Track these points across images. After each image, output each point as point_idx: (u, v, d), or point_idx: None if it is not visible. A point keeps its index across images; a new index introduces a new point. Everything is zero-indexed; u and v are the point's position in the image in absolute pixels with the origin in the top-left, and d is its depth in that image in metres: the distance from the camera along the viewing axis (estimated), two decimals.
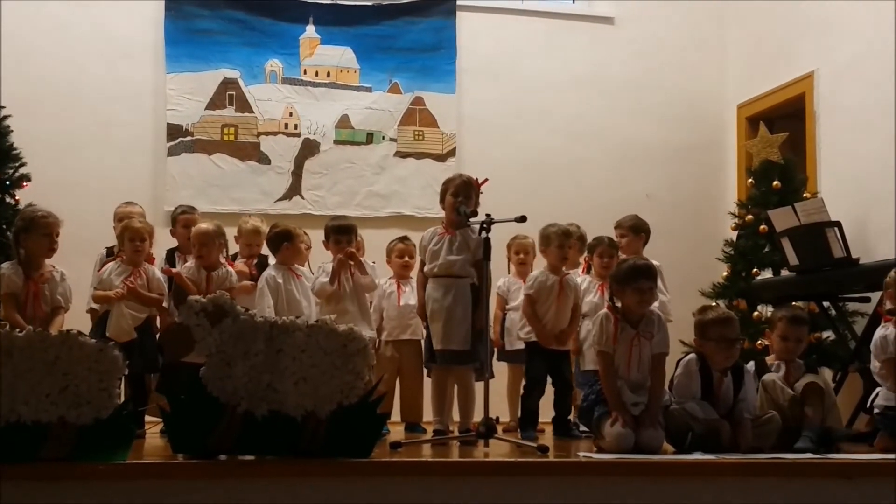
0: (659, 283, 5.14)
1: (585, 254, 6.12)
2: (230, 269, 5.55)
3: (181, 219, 6.04)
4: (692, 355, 4.58)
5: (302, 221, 6.45)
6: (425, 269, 5.27)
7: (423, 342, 5.57)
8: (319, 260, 5.82)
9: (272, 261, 5.73)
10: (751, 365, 4.79)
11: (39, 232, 5.07)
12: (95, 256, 5.98)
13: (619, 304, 4.47)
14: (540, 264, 6.03)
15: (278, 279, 5.50)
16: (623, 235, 6.17)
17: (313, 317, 5.32)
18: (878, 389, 4.93)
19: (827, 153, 7.20)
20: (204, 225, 5.59)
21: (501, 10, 8.30)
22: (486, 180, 5.24)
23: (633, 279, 4.42)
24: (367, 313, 5.60)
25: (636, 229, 6.22)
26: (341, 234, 5.57)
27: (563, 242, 5.64)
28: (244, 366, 3.54)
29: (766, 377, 4.77)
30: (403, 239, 6.20)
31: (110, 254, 5.65)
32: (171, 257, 5.94)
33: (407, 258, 6.07)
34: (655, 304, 4.61)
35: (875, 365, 4.89)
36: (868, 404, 5.07)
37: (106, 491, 3.30)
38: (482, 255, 4.78)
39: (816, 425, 4.57)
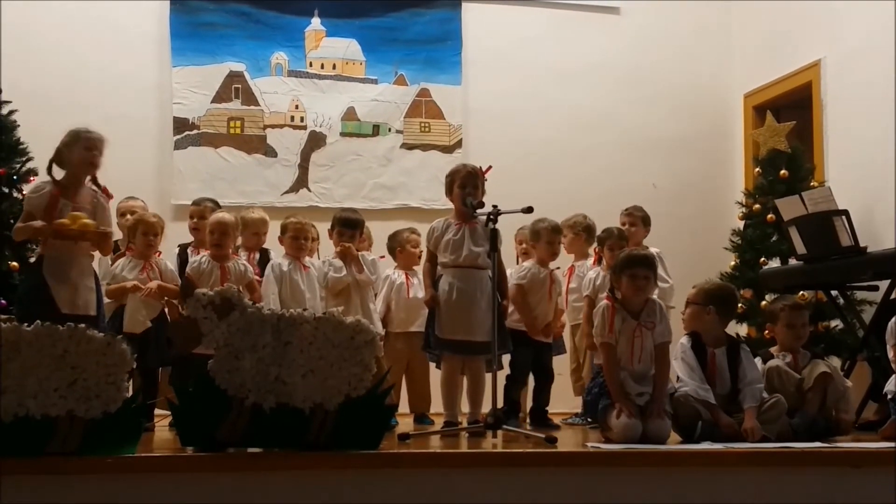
0: (660, 270, 5.15)
1: (595, 245, 6.11)
2: (247, 264, 5.51)
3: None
4: (684, 337, 4.63)
5: (308, 214, 6.41)
6: (443, 259, 5.13)
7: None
8: (328, 251, 5.85)
9: (273, 255, 5.75)
10: (757, 360, 4.78)
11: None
12: None
13: (619, 296, 4.49)
14: None
15: (283, 268, 5.55)
16: (633, 224, 6.18)
17: (318, 309, 5.35)
18: (893, 377, 4.93)
19: (834, 142, 7.18)
20: (225, 214, 5.54)
21: (507, 0, 8.28)
22: (490, 167, 5.23)
23: (628, 266, 4.45)
24: (368, 308, 5.59)
25: (646, 221, 6.26)
26: (346, 227, 5.63)
27: (552, 238, 5.76)
28: (252, 358, 3.54)
29: (772, 363, 4.77)
30: (413, 230, 6.18)
31: (116, 249, 5.60)
32: (183, 253, 5.90)
33: (420, 249, 6.00)
34: (655, 292, 4.63)
35: (890, 352, 4.91)
36: (884, 391, 5.07)
37: (114, 484, 3.31)
38: (490, 247, 4.77)
39: (813, 412, 4.60)
